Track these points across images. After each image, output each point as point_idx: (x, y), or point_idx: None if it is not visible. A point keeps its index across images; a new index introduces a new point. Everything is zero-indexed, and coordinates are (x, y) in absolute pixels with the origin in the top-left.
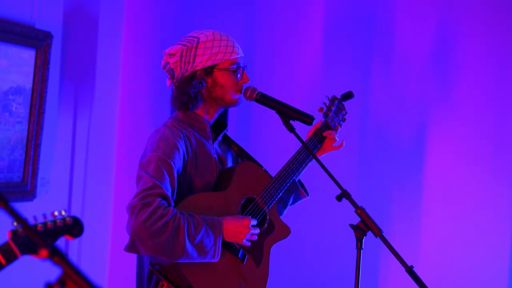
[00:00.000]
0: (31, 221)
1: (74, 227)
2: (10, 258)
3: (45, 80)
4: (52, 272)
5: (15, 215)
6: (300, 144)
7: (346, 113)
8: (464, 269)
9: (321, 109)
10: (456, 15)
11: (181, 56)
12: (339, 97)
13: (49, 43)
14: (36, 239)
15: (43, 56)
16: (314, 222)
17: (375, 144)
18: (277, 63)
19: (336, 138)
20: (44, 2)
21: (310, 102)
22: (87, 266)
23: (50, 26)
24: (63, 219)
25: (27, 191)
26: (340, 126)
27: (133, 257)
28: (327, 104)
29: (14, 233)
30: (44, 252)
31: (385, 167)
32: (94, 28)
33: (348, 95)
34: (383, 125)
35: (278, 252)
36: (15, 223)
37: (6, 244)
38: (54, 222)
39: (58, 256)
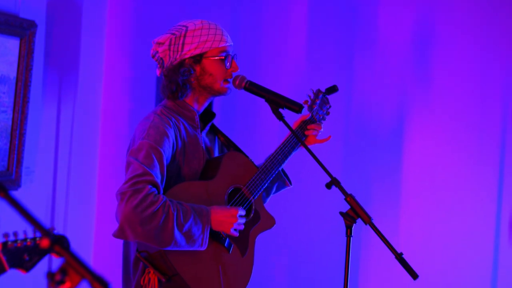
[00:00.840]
0: (12, 236)
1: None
2: None
3: (30, 69)
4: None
5: (15, 204)
6: (284, 135)
7: (330, 106)
8: (447, 260)
9: (306, 102)
10: (436, 4)
11: (169, 45)
12: (323, 90)
13: (33, 32)
14: (38, 228)
15: (27, 45)
16: (304, 210)
17: (358, 135)
18: (262, 55)
19: (320, 132)
20: None
21: (294, 95)
22: None
23: (34, 14)
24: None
25: (12, 180)
26: (324, 120)
27: (118, 246)
28: (312, 97)
29: (4, 246)
30: (45, 242)
31: (366, 160)
32: (77, 16)
33: (332, 89)
34: (365, 116)
35: (266, 240)
36: (5, 235)
37: None
38: (33, 239)
39: (59, 246)
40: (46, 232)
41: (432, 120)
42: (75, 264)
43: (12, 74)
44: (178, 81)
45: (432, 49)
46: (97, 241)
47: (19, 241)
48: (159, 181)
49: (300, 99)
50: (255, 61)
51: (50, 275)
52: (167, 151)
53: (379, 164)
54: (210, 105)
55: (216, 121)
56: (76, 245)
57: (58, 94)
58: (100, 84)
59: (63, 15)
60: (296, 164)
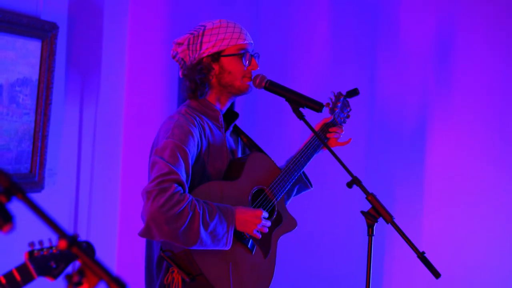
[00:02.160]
0: (37, 245)
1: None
2: (27, 279)
3: (52, 71)
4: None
5: (33, 206)
6: (306, 137)
7: (350, 109)
8: (470, 260)
9: (327, 105)
10: (458, 9)
11: (188, 45)
12: (344, 93)
13: (55, 34)
14: (56, 229)
15: (49, 47)
16: (325, 209)
17: (380, 138)
18: (285, 57)
19: (342, 134)
20: None
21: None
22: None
23: (56, 16)
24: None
25: (35, 182)
26: (345, 123)
27: (141, 247)
28: (333, 100)
29: (31, 254)
30: (63, 243)
31: (389, 162)
32: (99, 17)
33: (353, 92)
34: (388, 120)
35: (289, 239)
36: (31, 245)
37: (24, 265)
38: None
39: (77, 247)
40: (64, 233)
41: (454, 121)
42: (92, 266)
43: (34, 76)
44: (196, 79)
45: (454, 50)
46: (121, 243)
47: (45, 249)
48: (184, 180)
49: (322, 101)
50: (277, 63)
51: (68, 277)
52: (192, 150)
53: (402, 165)
54: (233, 105)
55: (238, 122)
56: (99, 247)
57: (80, 95)
58: (123, 85)
59: (84, 17)
60: (317, 163)
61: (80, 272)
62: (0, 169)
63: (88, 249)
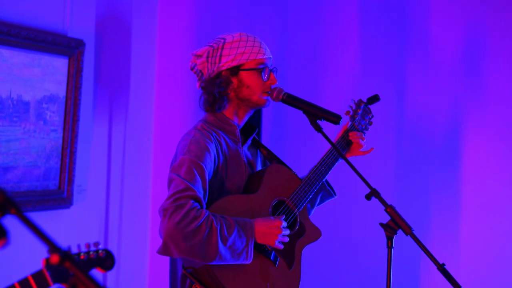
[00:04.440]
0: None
1: (107, 260)
2: (42, 286)
3: (79, 88)
4: None
5: (26, 221)
6: (327, 146)
7: (372, 116)
8: (505, 270)
9: (347, 113)
10: (486, 10)
11: (207, 57)
12: (365, 100)
13: (81, 51)
14: (47, 242)
15: (76, 64)
16: (344, 222)
17: (411, 146)
18: (313, 70)
19: (362, 143)
20: (76, 10)
21: (346, 105)
22: (126, 271)
23: (82, 34)
24: (97, 251)
25: (63, 198)
26: (367, 130)
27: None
28: (354, 108)
29: (48, 262)
30: (55, 257)
31: (422, 169)
32: (127, 34)
33: (374, 99)
34: (419, 127)
35: (309, 252)
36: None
37: (40, 272)
38: (87, 253)
39: (69, 261)
40: (56, 248)
41: (487, 127)
42: (85, 280)
43: (62, 93)
44: (214, 92)
45: (484, 54)
46: (152, 259)
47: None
48: (201, 196)
49: (344, 110)
50: (306, 74)
51: None
52: (209, 166)
53: (436, 173)
54: (251, 118)
55: (262, 136)
56: (130, 263)
57: (109, 112)
58: (152, 101)
59: (112, 33)
60: (336, 175)
61: (73, 286)
62: None
63: (107, 257)
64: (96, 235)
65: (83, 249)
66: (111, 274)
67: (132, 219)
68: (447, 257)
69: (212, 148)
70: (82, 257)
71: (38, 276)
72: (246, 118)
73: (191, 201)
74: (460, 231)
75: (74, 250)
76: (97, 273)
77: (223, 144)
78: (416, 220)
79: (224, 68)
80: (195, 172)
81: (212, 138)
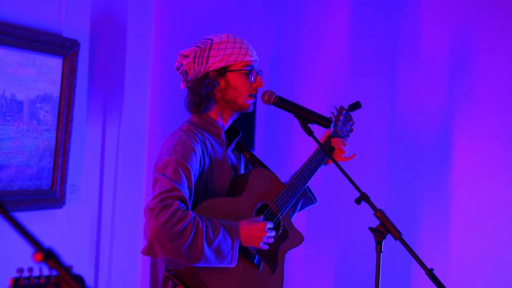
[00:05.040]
0: (26, 272)
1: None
2: None
3: (73, 88)
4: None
5: (10, 219)
6: (310, 152)
7: (353, 123)
8: (495, 273)
9: (330, 119)
10: (479, 12)
11: (194, 57)
12: (346, 107)
13: (76, 51)
14: (32, 242)
15: (70, 64)
16: (333, 226)
17: (402, 148)
18: (303, 66)
19: (345, 149)
20: (71, 11)
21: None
22: (118, 271)
23: (77, 34)
24: (48, 277)
25: (56, 198)
26: (348, 137)
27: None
28: (335, 114)
29: (15, 282)
30: (38, 256)
31: (412, 171)
32: (122, 35)
33: (355, 106)
34: (409, 129)
35: (297, 256)
36: (19, 271)
37: None
38: (48, 278)
39: (52, 260)
40: (40, 247)
41: (478, 128)
42: (67, 279)
43: (55, 93)
44: (201, 93)
45: (474, 53)
46: (144, 258)
47: (32, 278)
48: (187, 196)
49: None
50: (296, 75)
51: None
52: (195, 167)
53: (427, 176)
54: (236, 121)
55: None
56: (122, 264)
57: (103, 112)
58: (146, 102)
59: (107, 34)
60: (325, 179)
61: (56, 285)
62: None
63: (79, 281)
64: (88, 235)
65: (45, 272)
66: (103, 273)
67: (125, 219)
68: (437, 261)
69: (198, 149)
70: (41, 281)
71: None
72: (230, 121)
73: (178, 202)
74: (450, 235)
75: (36, 273)
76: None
77: (208, 145)
78: (406, 224)
79: (211, 68)
80: (181, 172)
81: (197, 139)
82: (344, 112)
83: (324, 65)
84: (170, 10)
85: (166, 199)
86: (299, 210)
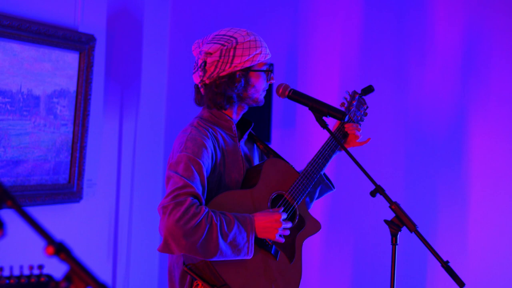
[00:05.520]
0: (6, 271)
1: (47, 286)
2: None
3: (89, 83)
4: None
5: (22, 213)
6: (324, 139)
7: (367, 107)
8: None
9: (342, 104)
10: (490, 11)
11: (220, 56)
12: (359, 91)
13: (92, 46)
14: (44, 235)
15: (87, 59)
16: (349, 218)
17: (418, 142)
18: (315, 64)
19: (359, 134)
20: (87, 6)
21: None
22: (136, 265)
23: (93, 29)
24: (39, 275)
25: (73, 192)
26: (362, 121)
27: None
28: (348, 99)
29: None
30: (50, 249)
31: (429, 165)
32: (138, 29)
33: (368, 89)
34: (425, 124)
35: (313, 248)
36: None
37: None
38: (28, 277)
39: (64, 253)
40: (52, 240)
41: (493, 121)
42: (79, 272)
43: (72, 87)
44: (227, 93)
45: (488, 52)
46: (162, 254)
47: (13, 277)
48: (200, 192)
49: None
50: (307, 67)
51: (55, 284)
52: (206, 162)
53: (443, 170)
54: (247, 114)
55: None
56: (140, 258)
57: (120, 106)
58: (163, 95)
59: (123, 28)
60: (340, 172)
61: (68, 279)
62: None
63: (48, 284)
64: (106, 229)
65: (26, 271)
66: (120, 268)
67: (142, 213)
68: (454, 254)
69: (209, 144)
70: (22, 280)
71: None
72: (241, 114)
73: (190, 198)
74: (468, 228)
75: (16, 272)
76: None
77: (220, 139)
78: (423, 217)
79: (238, 68)
80: (193, 168)
81: (208, 134)
82: (357, 96)
83: (338, 59)
84: (186, 3)
85: (179, 196)
86: (317, 198)
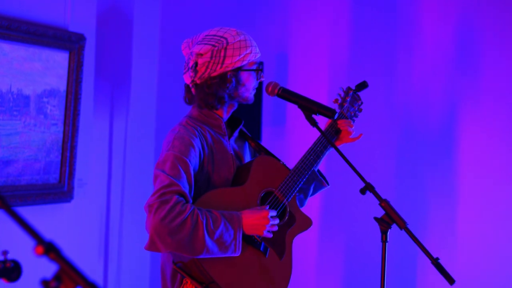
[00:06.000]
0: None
1: (13, 271)
2: None
3: (79, 82)
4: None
5: (11, 212)
6: (315, 137)
7: (361, 103)
8: (501, 265)
9: (336, 101)
10: (482, 8)
11: (211, 57)
12: (353, 87)
13: (82, 45)
14: (33, 235)
15: (77, 58)
16: (339, 216)
17: (408, 140)
18: (307, 61)
19: (351, 130)
20: (77, 5)
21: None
22: (127, 265)
23: (83, 28)
24: (4, 261)
25: (64, 192)
26: (356, 117)
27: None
28: (342, 95)
29: None
30: (39, 249)
31: (419, 163)
32: (128, 28)
33: (362, 85)
34: (415, 122)
35: (303, 246)
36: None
37: None
38: None
39: (53, 253)
40: (41, 240)
41: (482, 120)
42: (69, 271)
43: (62, 87)
44: (218, 93)
45: (479, 49)
46: (153, 253)
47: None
48: (186, 190)
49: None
50: (296, 65)
51: (44, 283)
52: (193, 161)
53: (433, 168)
54: (236, 111)
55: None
56: (131, 257)
57: (110, 106)
58: (154, 95)
59: (113, 27)
60: (330, 169)
61: (57, 278)
62: None
63: (15, 269)
64: (96, 229)
65: None
66: (112, 267)
67: (133, 213)
68: (444, 251)
69: (197, 143)
70: (8, 265)
71: None
72: (231, 112)
73: (176, 196)
74: (457, 225)
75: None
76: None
77: (208, 138)
78: (413, 214)
79: (229, 68)
80: (180, 167)
81: (196, 133)
82: (351, 93)
83: (327, 56)
84: (176, 2)
85: (164, 195)
86: (312, 195)
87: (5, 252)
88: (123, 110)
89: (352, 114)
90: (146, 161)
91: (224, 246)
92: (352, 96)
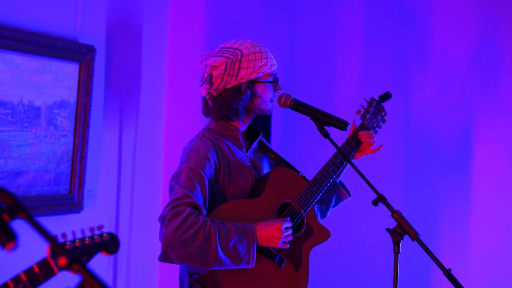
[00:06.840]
0: (70, 236)
1: (111, 244)
2: (48, 274)
3: (89, 93)
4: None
5: (35, 224)
6: (325, 148)
7: (385, 114)
8: None
9: (358, 112)
10: (499, 13)
11: (225, 69)
12: (377, 98)
13: (92, 57)
14: (56, 247)
15: (87, 70)
16: (351, 227)
17: (420, 150)
18: (321, 71)
19: (372, 141)
20: (87, 17)
21: (351, 107)
22: (137, 276)
23: (93, 39)
24: (101, 235)
25: (74, 203)
26: (380, 128)
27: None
28: (365, 106)
29: (52, 249)
30: (62, 260)
31: (431, 173)
32: (138, 40)
33: (385, 96)
34: (428, 131)
35: (316, 257)
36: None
37: (45, 260)
38: (92, 238)
39: (77, 264)
40: (64, 251)
41: (497, 132)
42: (92, 282)
43: (72, 98)
44: (233, 105)
45: (495, 56)
46: (163, 265)
47: (68, 243)
48: (200, 203)
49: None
50: (311, 77)
51: None
52: (209, 173)
53: (446, 178)
54: (254, 121)
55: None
56: (141, 268)
57: (119, 117)
58: (163, 106)
59: (123, 39)
60: (342, 179)
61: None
62: (4, 188)
63: (112, 241)
64: None
65: (87, 233)
66: (121, 278)
67: (142, 224)
68: (457, 262)
69: (213, 155)
70: (86, 242)
71: (43, 264)
72: (248, 123)
73: (189, 208)
74: (470, 235)
75: (78, 235)
76: (102, 257)
77: (225, 150)
78: (425, 225)
79: (243, 80)
80: (194, 179)
81: (212, 145)
82: (374, 103)
83: (338, 66)
84: (185, 14)
85: (178, 206)
86: (334, 206)
87: (100, 227)
88: (133, 121)
89: (375, 125)
90: (155, 172)
91: (238, 258)
92: (376, 107)
